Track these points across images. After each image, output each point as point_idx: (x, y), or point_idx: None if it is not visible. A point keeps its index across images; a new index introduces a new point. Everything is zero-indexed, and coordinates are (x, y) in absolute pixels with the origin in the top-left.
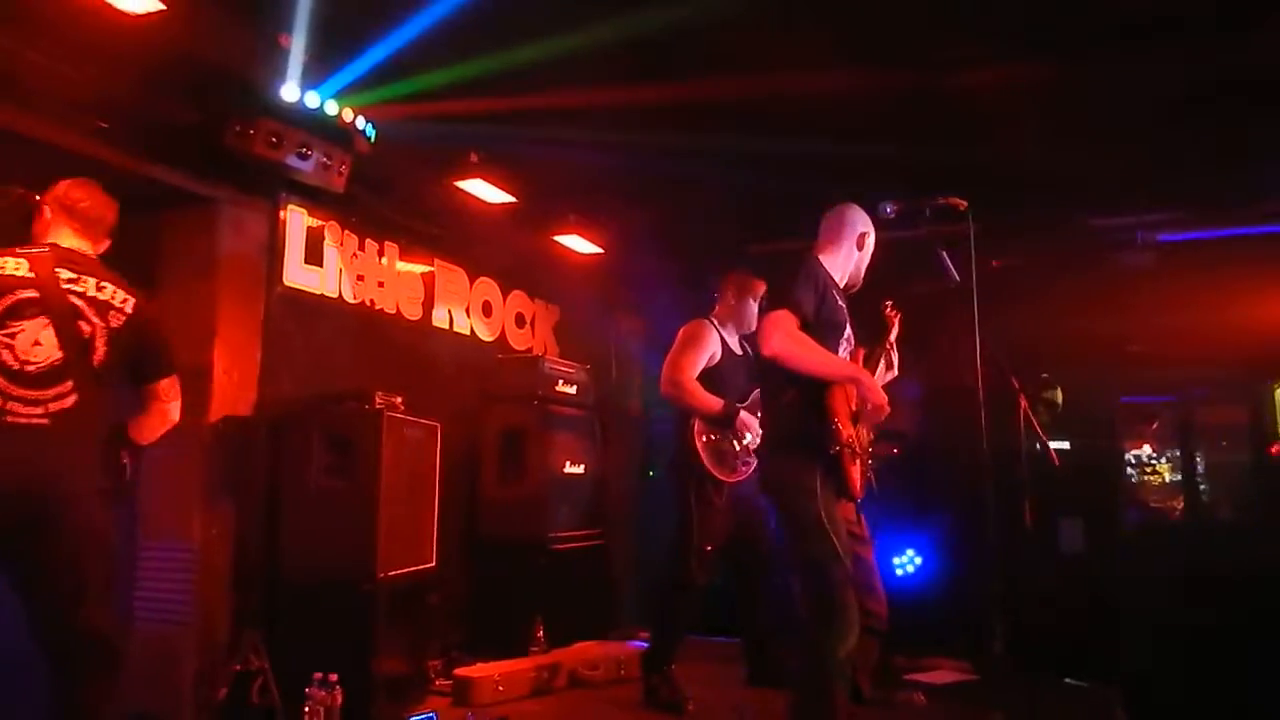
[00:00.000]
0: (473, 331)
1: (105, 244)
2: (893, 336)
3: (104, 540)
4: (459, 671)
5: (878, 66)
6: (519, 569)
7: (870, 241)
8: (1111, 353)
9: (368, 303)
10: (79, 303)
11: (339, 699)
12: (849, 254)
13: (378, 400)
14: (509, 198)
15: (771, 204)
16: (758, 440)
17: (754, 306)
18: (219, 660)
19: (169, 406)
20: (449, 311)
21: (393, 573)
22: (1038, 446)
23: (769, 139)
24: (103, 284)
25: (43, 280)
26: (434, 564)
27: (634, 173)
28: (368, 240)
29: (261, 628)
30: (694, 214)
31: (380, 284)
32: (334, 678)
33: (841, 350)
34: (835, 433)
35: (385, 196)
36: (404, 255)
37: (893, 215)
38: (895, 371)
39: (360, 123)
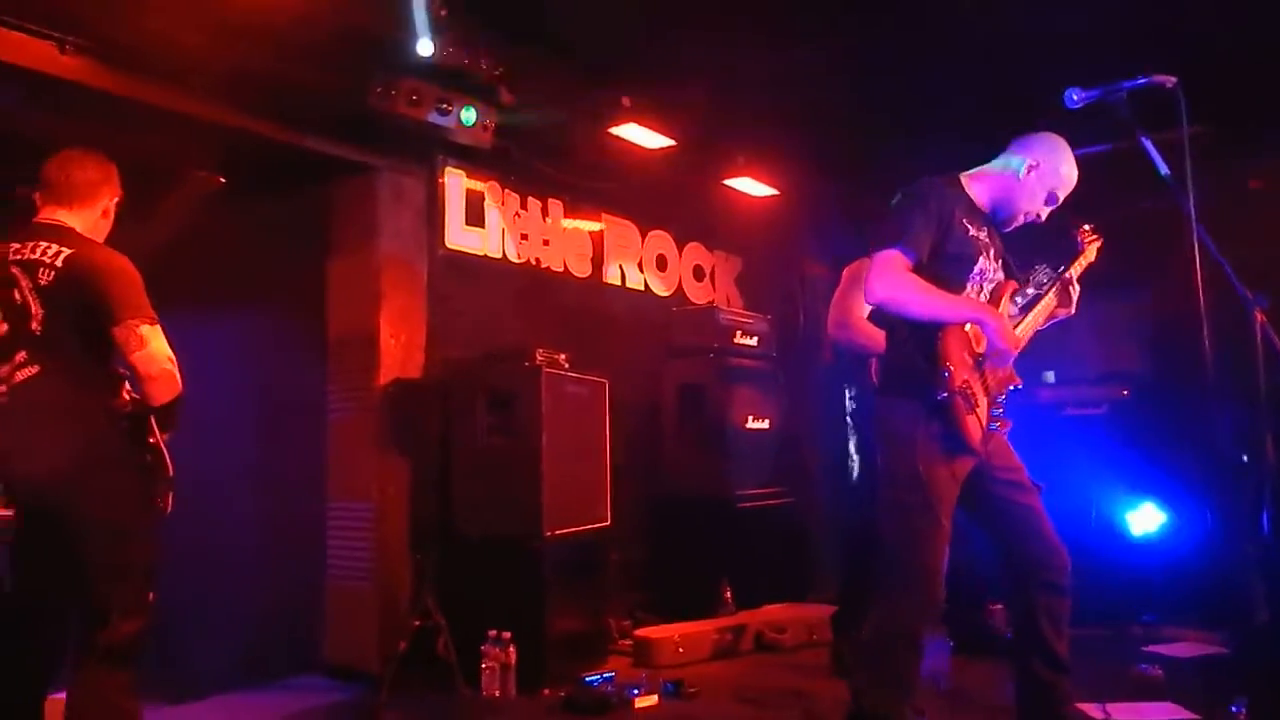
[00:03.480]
0: (647, 286)
1: (87, 207)
2: (1075, 269)
3: (101, 516)
4: (639, 632)
5: None
6: (703, 528)
7: (1045, 174)
8: None
9: (533, 261)
10: (15, 270)
11: (513, 656)
12: (1009, 180)
13: (538, 357)
14: (668, 141)
15: (967, 123)
16: None
17: None
18: (400, 614)
19: (135, 357)
20: (620, 267)
21: (561, 531)
22: None
23: (960, 50)
24: (40, 244)
25: None
26: (609, 522)
27: (805, 103)
28: (530, 199)
29: (438, 583)
30: (878, 143)
31: (545, 242)
32: (507, 635)
33: (971, 285)
34: (945, 379)
35: (542, 153)
36: (569, 212)
37: (1080, 104)
38: (1073, 310)
39: (499, 73)
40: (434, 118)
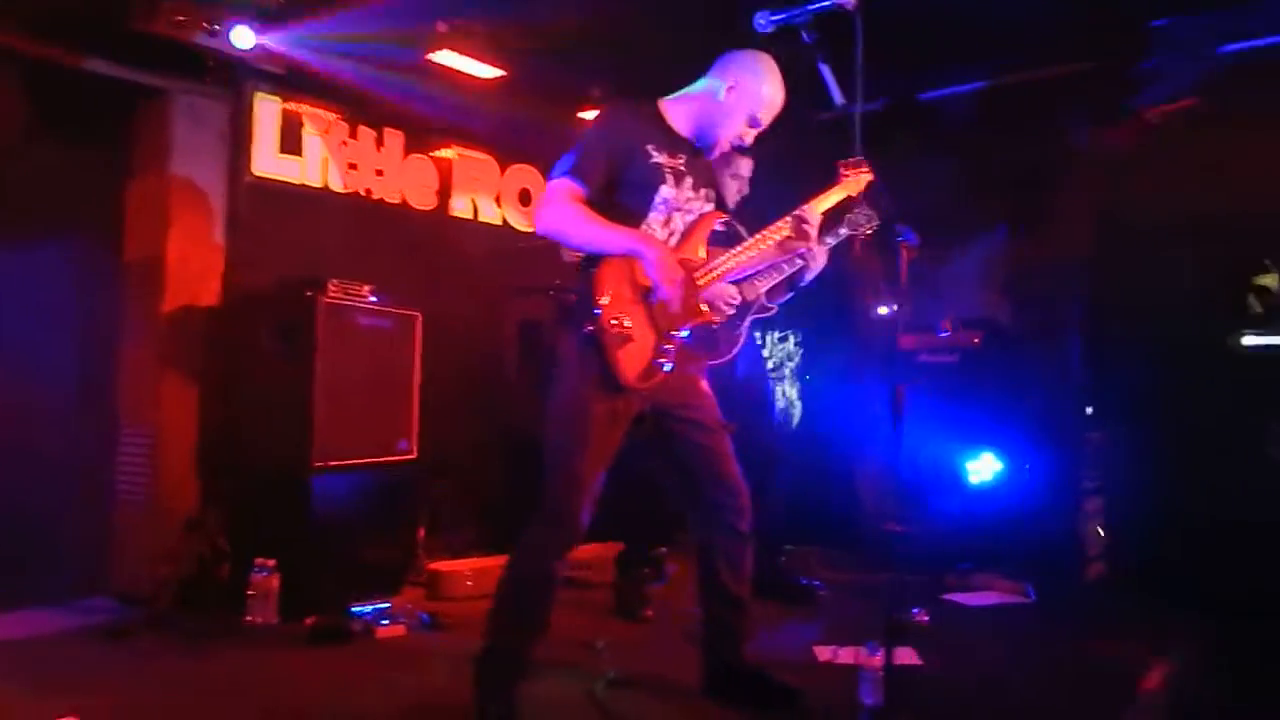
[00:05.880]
0: (505, 221)
1: None
2: (813, 204)
3: None
4: (432, 565)
5: None
6: (536, 466)
7: (743, 95)
8: None
9: (362, 193)
10: None
11: (276, 583)
12: (707, 102)
13: (331, 288)
14: (498, 71)
15: None
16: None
17: None
18: (180, 540)
19: None
20: (472, 200)
21: (337, 462)
22: None
23: None
24: None
25: None
26: (414, 455)
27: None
28: (360, 128)
29: (224, 511)
30: None
31: (379, 173)
32: (271, 563)
33: (655, 213)
34: (594, 313)
35: (366, 82)
36: (412, 143)
37: (770, 29)
38: (812, 244)
39: None
40: (203, 39)
